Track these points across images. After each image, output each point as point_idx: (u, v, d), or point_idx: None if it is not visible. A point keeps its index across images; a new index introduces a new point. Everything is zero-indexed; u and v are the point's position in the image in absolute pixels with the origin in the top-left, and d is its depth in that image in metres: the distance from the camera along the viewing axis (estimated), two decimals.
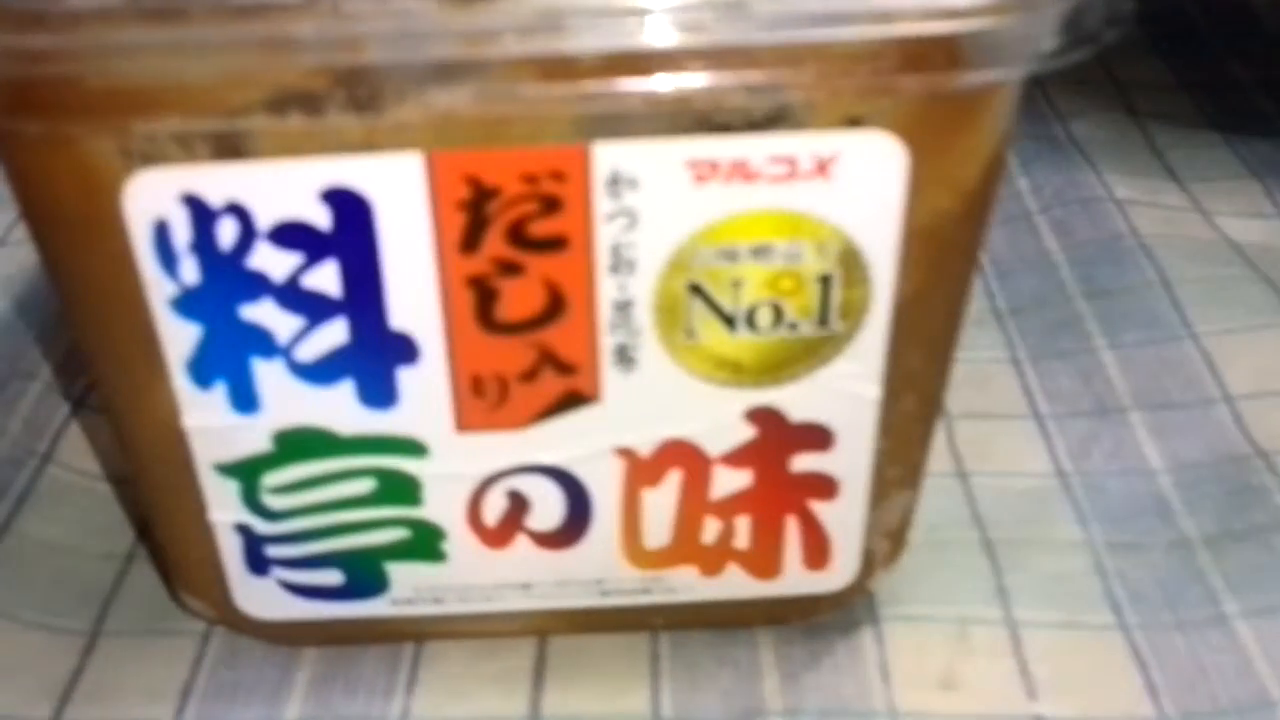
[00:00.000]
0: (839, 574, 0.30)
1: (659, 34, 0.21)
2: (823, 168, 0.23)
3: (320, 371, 0.25)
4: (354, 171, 0.22)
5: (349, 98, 0.21)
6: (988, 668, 0.31)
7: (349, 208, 0.22)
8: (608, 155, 0.22)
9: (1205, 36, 0.62)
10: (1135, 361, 0.41)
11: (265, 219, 0.22)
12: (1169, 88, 0.58)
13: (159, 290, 0.22)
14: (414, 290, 0.24)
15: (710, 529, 0.28)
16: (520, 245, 0.23)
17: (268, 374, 0.24)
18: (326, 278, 0.23)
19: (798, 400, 0.26)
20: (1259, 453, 0.36)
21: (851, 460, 0.27)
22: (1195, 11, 0.62)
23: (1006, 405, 0.40)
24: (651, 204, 0.23)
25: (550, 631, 0.31)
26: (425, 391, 0.25)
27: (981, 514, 0.35)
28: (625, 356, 0.25)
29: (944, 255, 0.25)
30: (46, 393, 0.39)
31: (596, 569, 0.29)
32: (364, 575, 0.28)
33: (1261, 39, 0.61)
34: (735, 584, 0.29)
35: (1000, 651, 0.31)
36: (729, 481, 0.28)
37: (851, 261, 0.24)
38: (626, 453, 0.27)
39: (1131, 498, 0.36)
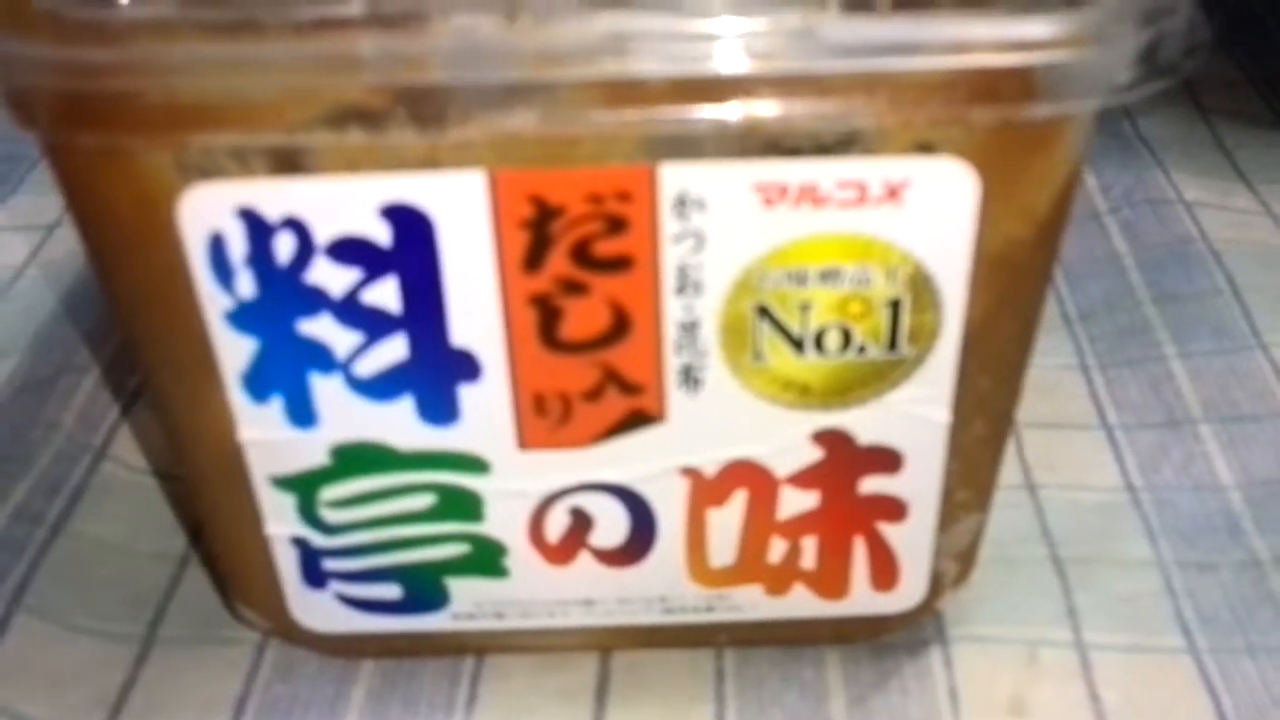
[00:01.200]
0: (907, 595, 0.28)
1: (727, 60, 0.19)
2: (893, 193, 0.21)
3: (379, 387, 0.23)
4: (415, 188, 0.21)
5: (411, 115, 0.19)
6: (1057, 692, 0.29)
7: (409, 224, 0.21)
8: (675, 176, 0.21)
9: (1273, 32, 0.60)
10: (1205, 371, 0.39)
11: (324, 234, 0.20)
12: (1236, 84, 0.56)
13: (214, 303, 0.21)
14: (475, 308, 0.22)
15: (776, 549, 0.27)
16: (584, 265, 0.22)
17: (325, 388, 0.23)
18: (386, 294, 0.22)
19: (866, 423, 0.25)
20: None
21: (920, 483, 0.26)
22: (1263, 6, 0.59)
23: (1075, 414, 0.38)
24: (719, 226, 0.22)
25: (613, 647, 0.30)
26: (487, 409, 0.24)
27: (1050, 529, 0.34)
28: (691, 377, 0.24)
29: (1014, 281, 0.23)
30: (99, 387, 0.37)
31: (660, 586, 0.27)
32: (424, 589, 0.27)
33: None
34: (801, 604, 0.28)
35: (1069, 675, 0.30)
36: (796, 502, 0.26)
37: (921, 286, 0.23)
38: (692, 472, 0.25)
39: (1202, 514, 0.34)
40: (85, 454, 0.35)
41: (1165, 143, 0.51)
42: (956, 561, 0.28)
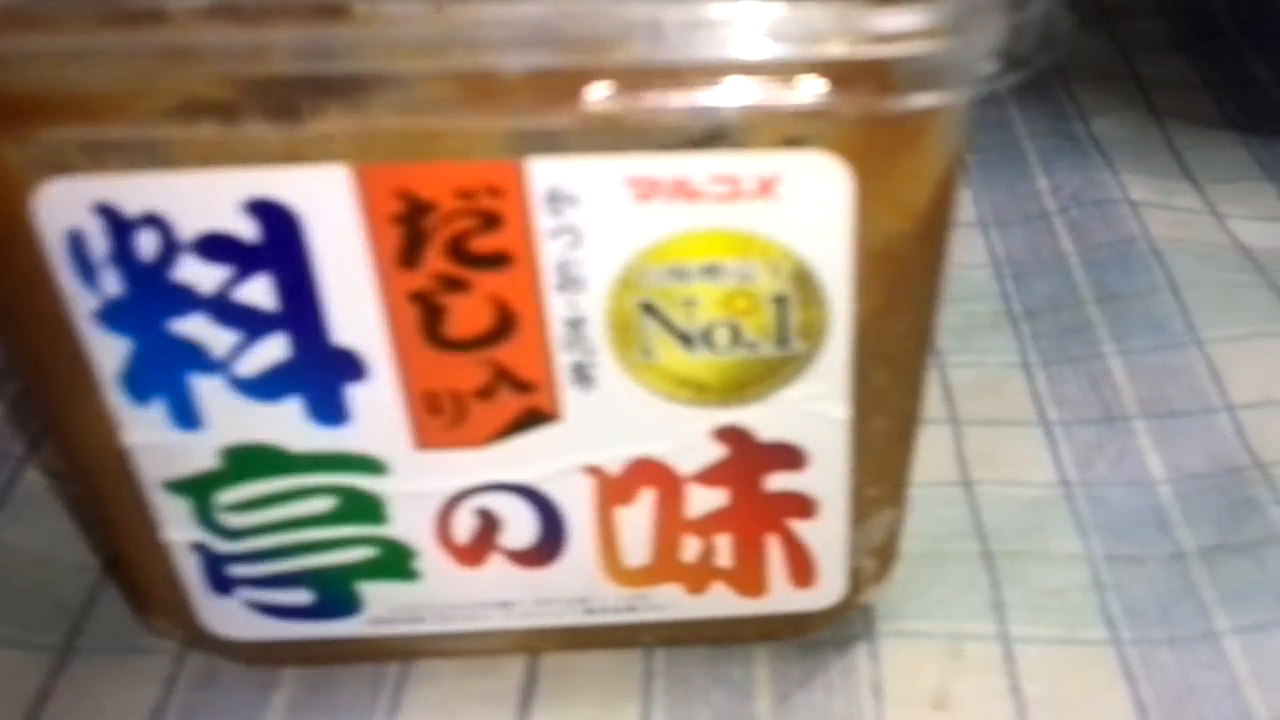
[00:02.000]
0: (826, 592, 0.27)
1: (582, 52, 0.18)
2: (766, 188, 0.20)
3: (264, 387, 0.22)
4: (277, 183, 0.20)
5: (262, 108, 0.18)
6: (980, 686, 0.28)
7: (276, 220, 0.20)
8: (545, 171, 0.20)
9: (1229, 33, 0.58)
10: (1142, 368, 0.37)
11: (187, 230, 0.19)
12: (1191, 85, 0.55)
13: (80, 303, 0.20)
14: (354, 306, 0.21)
15: (690, 547, 0.26)
16: (462, 261, 0.21)
17: (207, 389, 0.22)
18: (260, 292, 0.21)
19: (765, 420, 0.23)
20: (1257, 464, 0.33)
21: (826, 480, 0.25)
22: (1219, 7, 0.58)
23: (1016, 412, 0.36)
24: (594, 221, 0.20)
25: (540, 650, 0.28)
26: (378, 409, 0.23)
27: (984, 524, 0.32)
28: (583, 375, 0.22)
29: (901, 276, 0.22)
30: (20, 395, 0.36)
31: (578, 587, 0.26)
32: (334, 595, 0.26)
33: None
34: (722, 602, 0.27)
35: (993, 668, 0.28)
36: (704, 500, 0.25)
37: (805, 282, 0.21)
38: (595, 471, 0.24)
39: (1132, 509, 0.33)
40: (6, 463, 0.33)
41: (1117, 144, 0.49)
42: (875, 558, 0.27)
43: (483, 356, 0.22)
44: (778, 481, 0.25)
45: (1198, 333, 0.38)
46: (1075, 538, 0.32)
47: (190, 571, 0.25)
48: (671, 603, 0.27)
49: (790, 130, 0.20)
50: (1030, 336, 0.39)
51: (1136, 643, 0.29)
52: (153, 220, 0.20)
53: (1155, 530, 0.32)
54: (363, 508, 0.24)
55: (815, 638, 0.29)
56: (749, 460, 0.24)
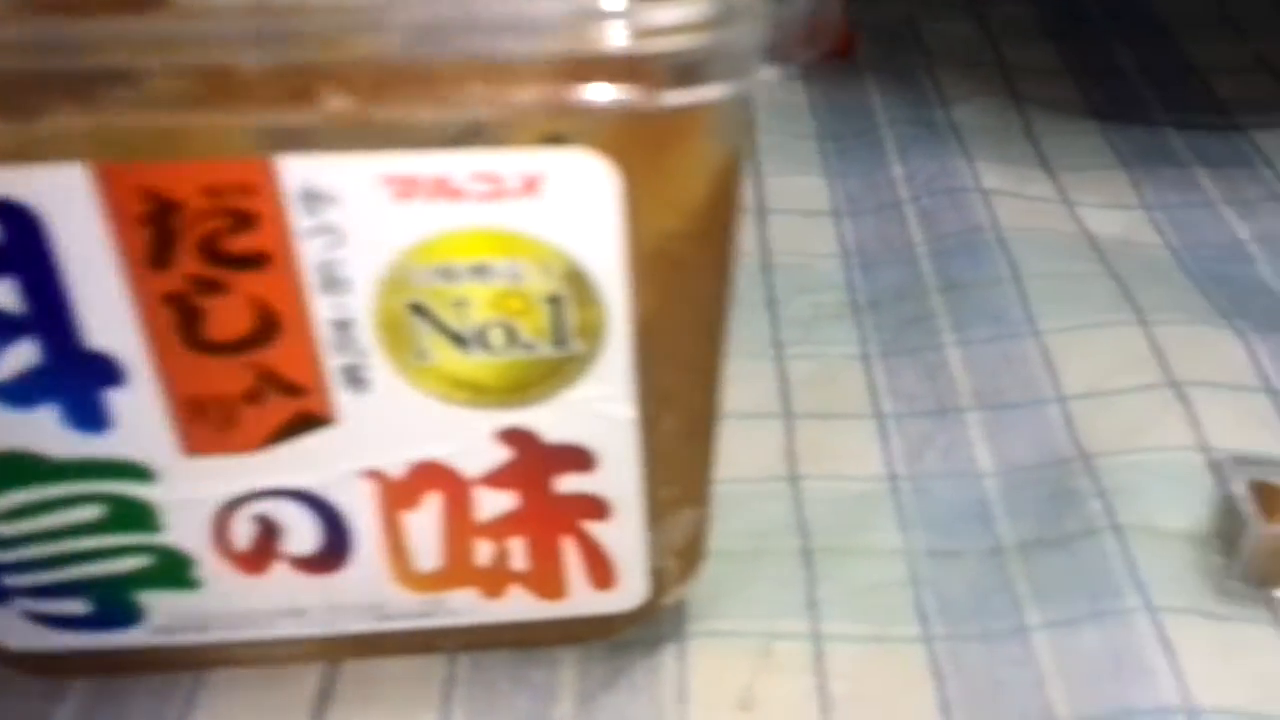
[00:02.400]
0: (628, 594, 0.27)
1: (322, 47, 0.18)
2: (530, 186, 0.20)
3: (16, 393, 0.22)
4: (13, 183, 0.19)
5: None
6: (787, 685, 0.29)
7: (15, 221, 0.20)
8: (297, 170, 0.20)
9: (1095, 20, 0.59)
10: (979, 359, 0.38)
11: None
12: (1055, 72, 0.56)
13: None
14: (106, 308, 0.21)
15: (483, 551, 0.26)
16: (217, 262, 0.21)
17: None
18: (3, 295, 0.21)
19: (550, 421, 0.24)
20: (1081, 455, 0.34)
21: (619, 481, 0.25)
22: None
23: (850, 404, 0.37)
24: (354, 221, 0.20)
25: (338, 657, 0.28)
26: (139, 414, 0.22)
27: (807, 520, 0.33)
28: (355, 377, 0.22)
29: (680, 276, 0.22)
30: None
31: (369, 593, 0.26)
32: (113, 604, 0.26)
33: (1150, 25, 0.59)
34: (521, 606, 0.27)
35: (801, 667, 0.29)
36: (493, 503, 0.25)
37: (579, 282, 0.21)
38: (376, 475, 0.24)
39: (957, 502, 0.33)
40: None
41: (976, 131, 0.50)
42: (677, 558, 0.27)
43: (247, 360, 0.22)
44: (568, 483, 0.25)
45: (1035, 323, 0.39)
46: (897, 532, 0.33)
47: None
48: (468, 607, 0.27)
49: (550, 127, 0.20)
50: (873, 327, 0.40)
51: (948, 639, 0.30)
52: None
53: (977, 524, 0.33)
54: (133, 515, 0.24)
55: (624, 639, 0.29)
56: (536, 462, 0.24)
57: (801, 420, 0.36)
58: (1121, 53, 0.57)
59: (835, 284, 0.42)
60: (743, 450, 0.35)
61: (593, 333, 0.22)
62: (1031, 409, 0.36)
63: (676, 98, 0.20)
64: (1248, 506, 0.30)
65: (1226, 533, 0.30)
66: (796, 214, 0.45)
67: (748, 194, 0.46)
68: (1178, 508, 0.32)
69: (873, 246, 0.44)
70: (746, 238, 0.44)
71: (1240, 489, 0.30)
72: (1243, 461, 0.31)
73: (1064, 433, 0.35)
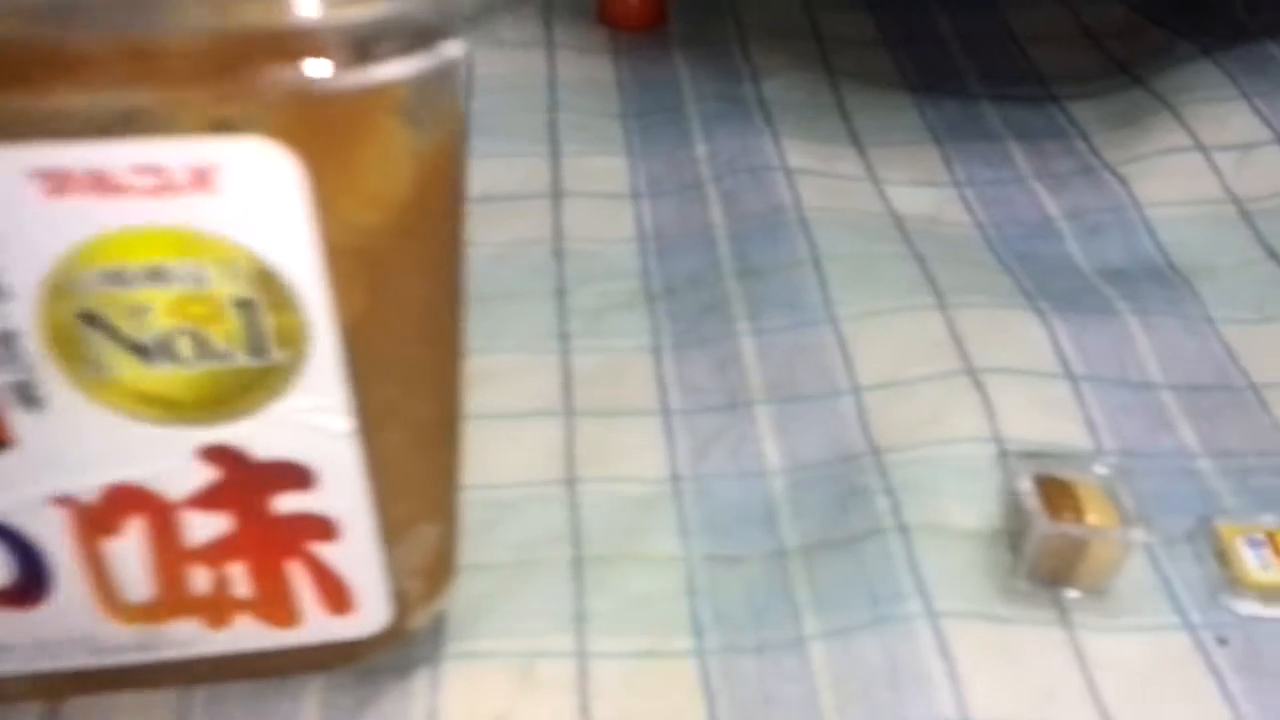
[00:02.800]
0: (369, 618, 0.26)
1: None
2: (203, 180, 0.19)
3: None
4: None
5: None
6: (546, 707, 0.28)
7: None
8: None
9: None
10: (773, 349, 0.37)
11: None
12: (870, 43, 0.56)
13: None
14: None
15: (199, 578, 0.24)
16: None
17: None
18: None
19: (258, 437, 0.22)
20: (872, 449, 0.33)
21: (343, 499, 0.23)
22: None
23: (637, 400, 0.36)
24: (3, 222, 0.18)
25: (60, 694, 0.27)
26: None
27: (582, 527, 0.32)
28: (28, 395, 0.21)
29: (388, 275, 0.21)
30: None
31: (78, 627, 0.24)
32: None
33: None
34: (251, 635, 0.25)
35: (563, 688, 0.28)
36: (204, 527, 0.23)
37: (271, 284, 0.20)
38: (67, 500, 0.22)
39: (741, 504, 0.33)
40: None
41: (785, 107, 0.49)
42: (421, 579, 0.26)
43: None
44: (287, 503, 0.23)
45: (833, 309, 0.38)
46: (676, 538, 0.32)
47: None
48: (192, 638, 0.25)
49: (217, 113, 0.18)
50: (665, 316, 0.39)
51: (721, 652, 0.29)
52: None
53: (761, 526, 0.32)
54: None
55: (374, 665, 0.28)
56: (248, 481, 0.23)
57: (583, 418, 0.35)
58: (942, 22, 0.57)
59: (629, 271, 0.41)
60: (517, 453, 0.34)
61: (294, 340, 0.21)
62: (824, 401, 0.35)
63: (356, 77, 0.18)
64: (1032, 503, 0.29)
65: (1013, 530, 0.30)
66: (594, 197, 0.44)
67: (544, 176, 0.45)
68: (967, 504, 0.31)
69: (671, 230, 0.43)
70: (539, 223, 0.42)
71: (1025, 485, 0.30)
72: (1029, 455, 0.31)
73: (856, 426, 0.34)
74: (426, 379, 0.23)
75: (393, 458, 0.23)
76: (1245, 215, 0.42)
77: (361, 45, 0.18)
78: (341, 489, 0.23)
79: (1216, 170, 0.44)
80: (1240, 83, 0.48)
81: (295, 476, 0.23)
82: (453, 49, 0.18)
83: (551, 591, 0.30)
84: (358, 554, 0.25)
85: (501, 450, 0.34)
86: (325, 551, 0.24)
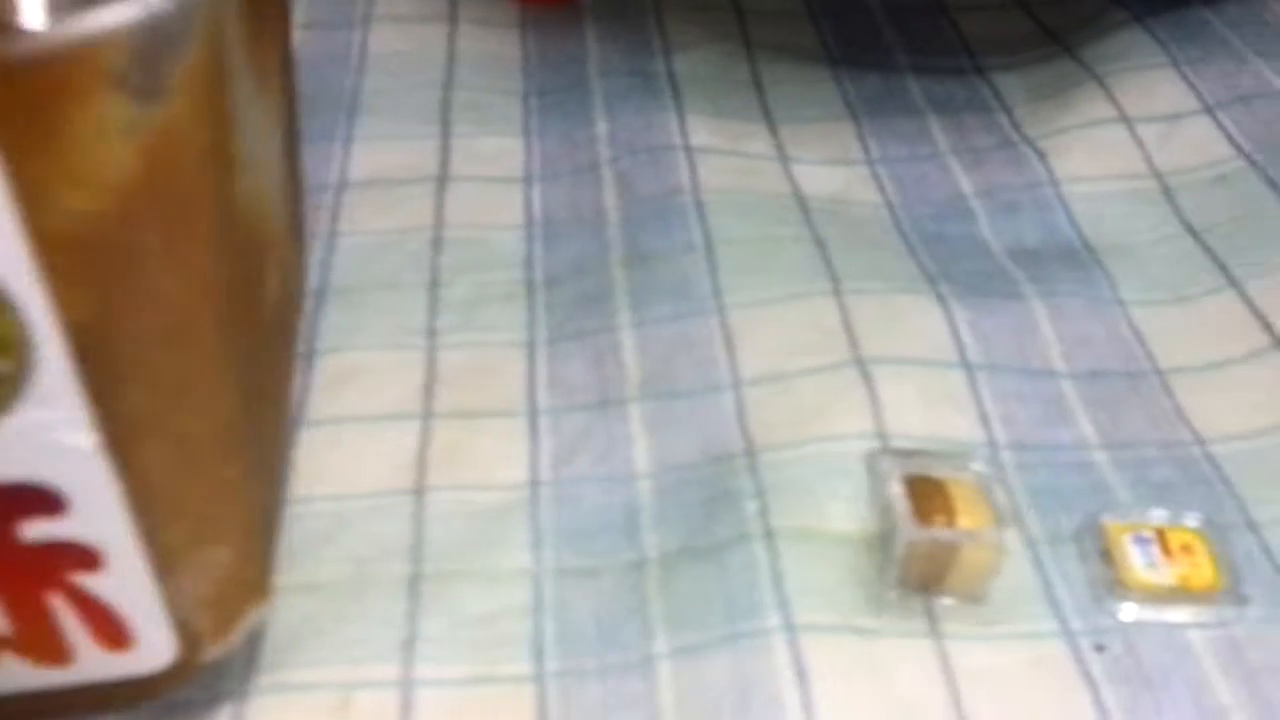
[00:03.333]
0: (151, 653, 0.24)
1: None
2: None
3: None
4: None
5: None
6: None
7: None
8: None
9: None
10: (654, 341, 0.35)
11: None
12: (794, 15, 0.53)
13: None
14: None
15: None
16: None
17: None
18: None
19: None
20: (748, 449, 0.31)
21: (101, 524, 0.21)
22: None
23: (503, 400, 0.34)
24: None
25: None
26: None
27: (426, 540, 0.30)
28: None
29: (123, 269, 0.19)
30: None
31: None
32: None
33: None
34: (20, 674, 0.23)
35: (381, 717, 0.26)
36: None
37: None
38: None
39: (604, 510, 0.31)
40: None
41: (696, 81, 0.47)
42: (210, 608, 0.24)
43: None
44: (36, 530, 0.21)
45: (721, 297, 0.36)
46: (528, 550, 0.30)
47: None
48: None
49: None
50: (544, 308, 0.37)
51: (562, 676, 0.27)
52: None
53: (621, 535, 0.30)
54: None
55: (175, 700, 0.26)
56: None
57: (442, 421, 0.33)
58: None
59: (511, 260, 0.39)
60: (365, 460, 0.32)
61: (14, 346, 0.19)
62: (703, 397, 0.33)
63: (50, 38, 0.16)
64: (901, 506, 0.27)
65: (884, 535, 0.28)
66: (482, 181, 0.42)
67: (431, 159, 0.43)
68: (841, 507, 0.30)
69: (561, 215, 0.41)
70: (420, 210, 0.40)
71: (895, 487, 0.28)
72: (903, 454, 0.29)
73: (734, 423, 0.32)
74: (189, 388, 0.21)
75: (157, 477, 0.21)
76: (1166, 190, 0.40)
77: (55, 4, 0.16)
78: (98, 513, 0.21)
79: (1140, 143, 0.42)
80: (1171, 50, 0.46)
81: (40, 500, 0.21)
82: (166, 2, 0.16)
83: (382, 614, 0.28)
84: (128, 584, 0.23)
85: (348, 458, 0.32)
86: (89, 582, 0.22)
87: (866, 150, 0.44)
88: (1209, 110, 0.43)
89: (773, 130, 0.45)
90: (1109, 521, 0.29)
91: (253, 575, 0.24)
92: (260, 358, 0.25)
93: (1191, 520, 0.29)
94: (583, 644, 0.27)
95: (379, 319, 0.36)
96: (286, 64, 0.31)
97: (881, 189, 0.42)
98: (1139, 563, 0.28)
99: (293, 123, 0.33)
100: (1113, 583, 0.28)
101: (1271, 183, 0.39)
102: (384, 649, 0.27)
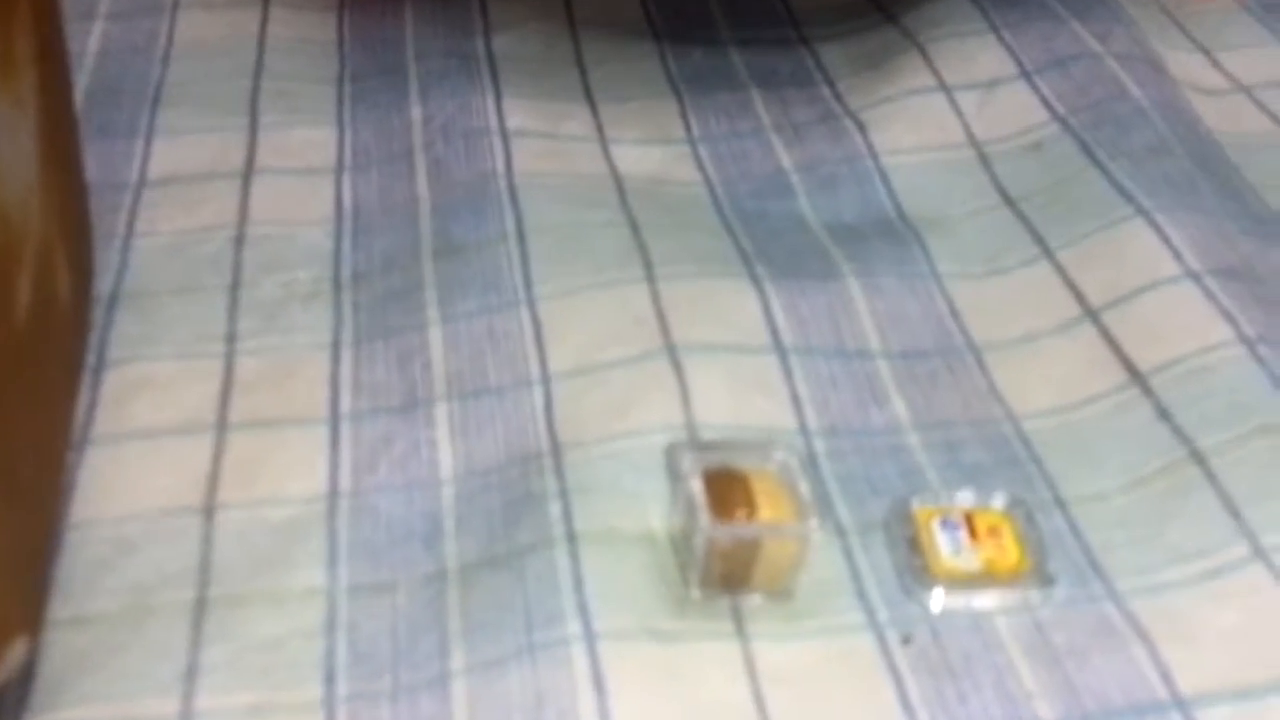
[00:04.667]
0: None
1: None
2: None
3: None
4: None
5: None
6: None
7: None
8: None
9: None
10: (462, 337, 0.34)
11: None
12: None
13: None
14: None
15: None
16: None
17: None
18: None
19: None
20: (554, 448, 0.30)
21: None
22: None
23: (303, 407, 0.33)
24: None
25: None
26: None
27: (214, 562, 0.29)
28: None
29: None
30: None
31: None
32: None
33: None
34: None
35: None
36: None
37: None
38: None
39: (404, 521, 0.30)
40: None
41: (515, 62, 0.46)
42: None
43: None
44: None
45: (532, 289, 0.35)
46: (321, 568, 0.29)
47: None
48: None
49: None
50: (351, 307, 0.36)
51: (352, 699, 0.26)
52: None
53: (421, 546, 0.29)
54: None
55: None
56: None
57: (237, 432, 0.32)
58: None
59: (319, 256, 0.38)
60: (152, 479, 0.30)
61: None
62: (512, 394, 0.33)
63: None
64: (700, 501, 0.26)
65: (686, 533, 0.27)
66: (291, 173, 0.41)
67: (236, 153, 0.41)
68: (644, 506, 0.29)
69: (372, 207, 0.40)
70: (223, 207, 0.39)
71: (695, 482, 0.27)
72: (702, 447, 0.28)
73: (542, 421, 0.32)
74: None
75: None
76: (983, 159, 0.40)
77: None
78: None
79: (958, 112, 0.42)
80: (991, 16, 0.46)
81: None
82: None
83: (163, 644, 0.27)
84: None
85: (134, 477, 0.30)
86: None
87: (688, 128, 0.43)
88: (1026, 75, 0.43)
89: (593, 110, 0.44)
90: (918, 507, 0.28)
91: (11, 611, 0.23)
92: (7, 372, 0.23)
93: (999, 501, 0.28)
94: (376, 664, 0.26)
95: (174, 326, 0.35)
96: (49, 53, 0.29)
97: (701, 167, 0.42)
98: (946, 550, 0.27)
99: (64, 117, 0.31)
100: (920, 571, 0.27)
101: (1085, 147, 0.39)
102: (162, 681, 0.26)
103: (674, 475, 0.28)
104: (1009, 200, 0.38)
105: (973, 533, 0.28)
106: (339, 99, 0.45)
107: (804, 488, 0.27)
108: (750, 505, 0.27)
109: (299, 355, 0.34)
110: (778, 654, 0.26)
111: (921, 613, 0.27)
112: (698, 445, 0.29)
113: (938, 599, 0.27)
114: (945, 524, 0.28)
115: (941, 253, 0.37)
